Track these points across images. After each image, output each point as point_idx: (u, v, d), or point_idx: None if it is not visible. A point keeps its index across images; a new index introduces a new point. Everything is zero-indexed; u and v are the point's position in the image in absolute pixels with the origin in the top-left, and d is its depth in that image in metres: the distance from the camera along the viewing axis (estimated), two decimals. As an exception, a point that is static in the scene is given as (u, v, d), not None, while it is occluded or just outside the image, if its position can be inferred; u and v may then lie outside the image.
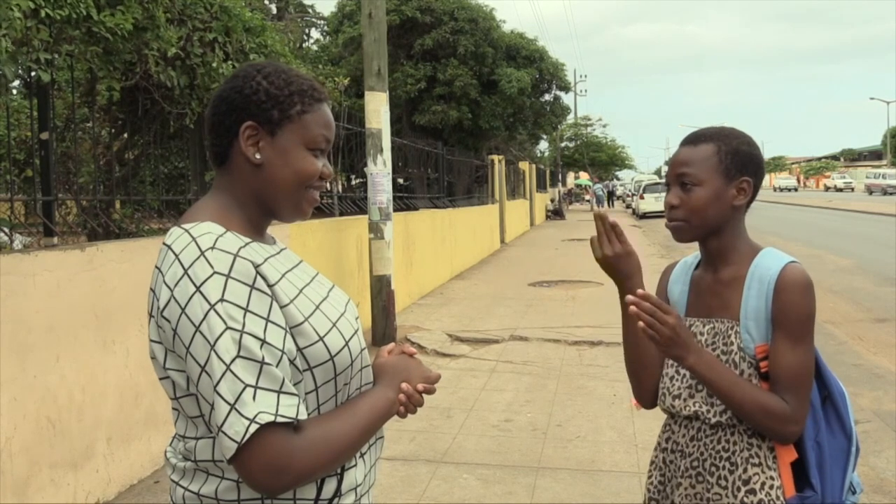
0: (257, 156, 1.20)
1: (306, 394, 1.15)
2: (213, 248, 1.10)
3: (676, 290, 1.70)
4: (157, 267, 1.15)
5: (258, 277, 1.10)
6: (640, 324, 1.45)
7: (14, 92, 6.06)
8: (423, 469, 4.10)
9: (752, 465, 1.53)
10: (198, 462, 1.14)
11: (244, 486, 1.12)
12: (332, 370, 1.17)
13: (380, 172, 7.13)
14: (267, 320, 1.09)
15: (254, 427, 1.03)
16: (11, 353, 3.07)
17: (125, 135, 5.52)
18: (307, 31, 23.43)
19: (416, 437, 4.56)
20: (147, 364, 3.80)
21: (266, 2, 20.20)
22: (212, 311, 1.05)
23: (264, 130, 1.20)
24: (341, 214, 7.79)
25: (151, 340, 1.15)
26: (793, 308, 1.49)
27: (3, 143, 4.82)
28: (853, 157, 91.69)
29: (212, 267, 1.08)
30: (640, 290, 1.49)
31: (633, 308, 1.45)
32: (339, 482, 1.18)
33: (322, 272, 1.35)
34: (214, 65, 4.70)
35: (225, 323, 1.05)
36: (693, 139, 1.61)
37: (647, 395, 1.70)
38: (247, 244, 1.14)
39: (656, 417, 1.83)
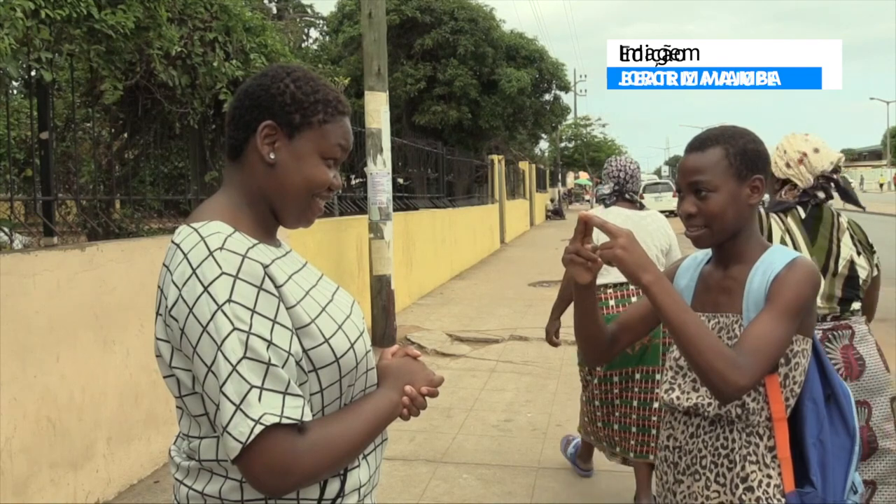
0: (271, 155, 1.20)
1: (311, 395, 1.16)
2: (221, 248, 1.10)
3: (682, 283, 1.71)
4: (165, 265, 1.15)
5: (266, 278, 1.10)
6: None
7: (14, 91, 6.05)
8: (423, 469, 4.10)
9: (749, 463, 1.53)
10: (202, 461, 1.14)
11: (248, 487, 1.12)
12: (338, 372, 1.17)
13: (380, 172, 7.13)
14: (274, 321, 1.09)
15: (259, 428, 1.03)
16: (11, 353, 3.07)
17: (125, 134, 5.52)
18: (307, 30, 23.41)
19: (416, 437, 4.56)
20: (147, 364, 3.80)
21: (266, 2, 20.19)
22: (219, 312, 1.06)
23: (283, 132, 1.20)
24: (341, 214, 7.79)
25: (158, 338, 1.15)
26: (785, 284, 1.49)
27: (3, 142, 4.82)
28: (853, 157, 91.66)
29: (220, 267, 1.08)
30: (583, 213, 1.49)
31: (582, 218, 1.46)
32: (343, 483, 1.18)
33: (322, 272, 1.35)
34: (216, 64, 4.70)
35: (232, 323, 1.05)
36: (699, 144, 1.60)
37: (597, 358, 1.74)
38: (254, 245, 1.14)
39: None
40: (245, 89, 1.24)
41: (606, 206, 3.61)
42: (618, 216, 3.39)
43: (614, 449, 3.56)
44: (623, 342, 1.71)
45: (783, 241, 2.47)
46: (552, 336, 3.84)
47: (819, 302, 2.35)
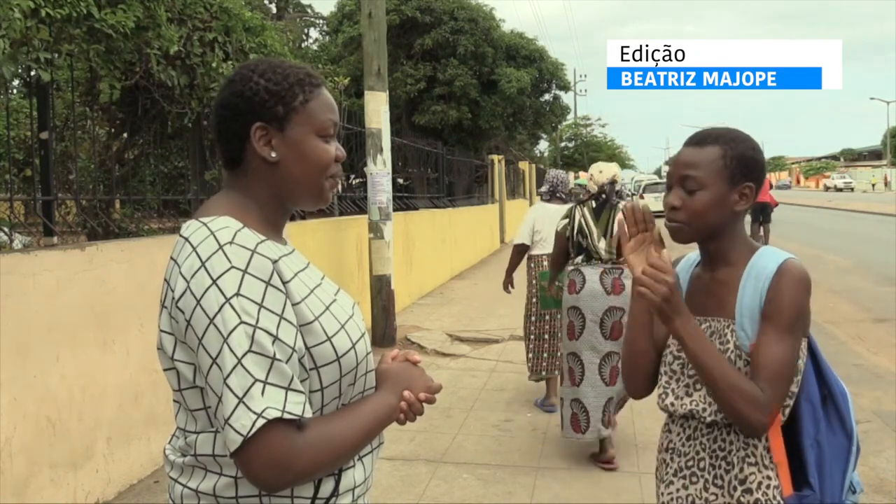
0: (272, 154, 1.21)
1: (311, 393, 1.16)
2: (231, 242, 1.10)
3: None
4: (172, 258, 1.15)
5: (274, 274, 1.11)
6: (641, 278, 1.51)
7: (13, 91, 6.05)
8: (423, 469, 4.10)
9: (748, 465, 1.52)
10: (197, 456, 1.15)
11: (242, 483, 1.12)
12: (338, 371, 1.18)
13: (380, 172, 7.13)
14: (280, 317, 1.09)
15: (261, 422, 1.03)
16: (11, 353, 3.07)
17: (125, 134, 5.52)
18: (306, 30, 23.39)
19: (416, 437, 4.56)
20: (147, 364, 3.80)
21: (266, 1, 20.18)
22: (227, 305, 1.06)
23: (273, 128, 1.21)
24: (341, 214, 7.79)
25: (161, 330, 1.15)
26: (783, 298, 1.48)
27: (3, 142, 4.82)
28: (853, 157, 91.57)
29: (229, 261, 1.09)
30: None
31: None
32: (337, 483, 1.18)
33: (323, 273, 1.35)
34: (214, 64, 4.70)
35: (239, 317, 1.06)
36: (698, 140, 1.59)
37: (641, 388, 1.72)
38: (263, 241, 1.15)
39: (656, 418, 1.84)
40: (220, 102, 1.24)
41: (544, 201, 5.58)
42: (549, 208, 5.38)
43: (542, 373, 5.23)
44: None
45: (581, 222, 4.21)
46: (507, 287, 5.82)
47: (603, 250, 4.13)
